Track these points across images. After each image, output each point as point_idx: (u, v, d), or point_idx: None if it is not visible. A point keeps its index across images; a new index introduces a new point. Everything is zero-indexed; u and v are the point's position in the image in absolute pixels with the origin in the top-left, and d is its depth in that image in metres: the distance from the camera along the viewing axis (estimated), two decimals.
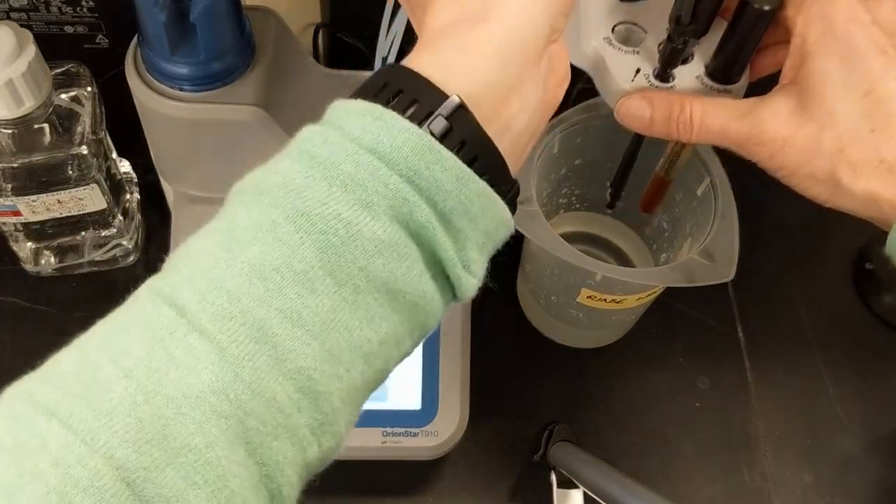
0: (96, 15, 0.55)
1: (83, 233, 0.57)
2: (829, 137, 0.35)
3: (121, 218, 0.57)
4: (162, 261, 0.27)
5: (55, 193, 0.52)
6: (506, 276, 0.61)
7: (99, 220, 0.56)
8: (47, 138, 0.50)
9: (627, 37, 0.41)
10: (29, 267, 0.59)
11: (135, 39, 0.47)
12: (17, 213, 0.53)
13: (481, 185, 0.27)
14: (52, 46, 0.50)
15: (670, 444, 0.57)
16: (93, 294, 0.59)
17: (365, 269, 0.26)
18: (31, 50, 0.46)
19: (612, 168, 0.49)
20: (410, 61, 0.29)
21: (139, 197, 0.61)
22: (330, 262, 0.25)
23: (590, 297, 0.52)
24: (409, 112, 0.27)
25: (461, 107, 0.27)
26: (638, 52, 0.40)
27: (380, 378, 0.29)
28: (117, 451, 0.22)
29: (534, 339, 0.60)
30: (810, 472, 0.56)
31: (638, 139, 0.45)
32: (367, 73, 0.35)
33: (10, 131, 0.49)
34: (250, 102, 0.46)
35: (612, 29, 0.41)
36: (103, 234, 0.58)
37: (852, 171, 0.35)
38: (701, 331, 0.61)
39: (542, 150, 0.50)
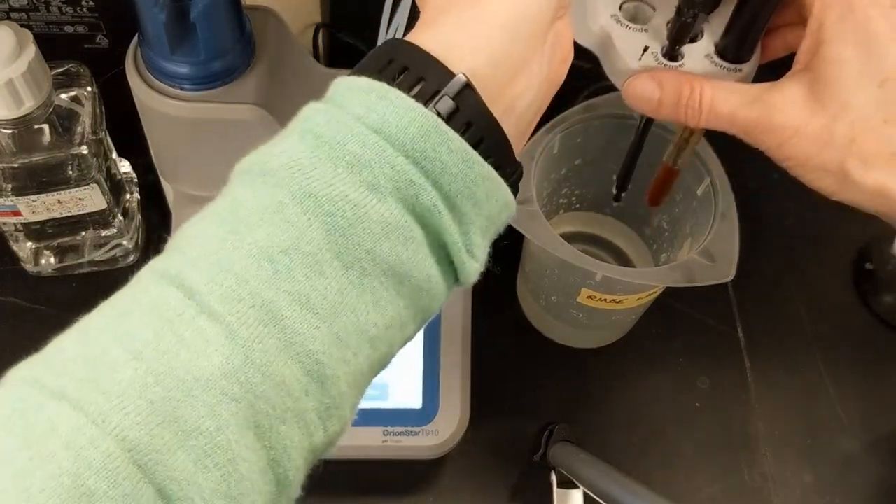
0: (96, 15, 0.55)
1: (83, 233, 0.57)
2: (841, 127, 0.34)
3: (121, 218, 0.57)
4: None
5: (55, 193, 0.52)
6: (506, 276, 0.61)
7: (99, 220, 0.56)
8: (47, 138, 0.50)
9: (635, 14, 0.40)
10: (29, 267, 0.59)
11: (135, 39, 0.47)
12: (17, 213, 0.53)
13: (486, 169, 0.27)
14: (52, 46, 0.50)
15: (670, 444, 0.57)
16: (93, 294, 0.58)
17: (372, 252, 0.26)
18: (32, 50, 0.46)
19: (613, 168, 0.49)
20: (414, 37, 0.28)
21: (139, 197, 0.61)
22: (337, 244, 0.25)
23: (590, 297, 0.52)
24: (415, 91, 0.26)
25: (467, 86, 0.27)
26: (646, 30, 0.39)
27: (384, 362, 0.28)
28: (129, 433, 0.22)
29: (534, 339, 0.60)
30: (810, 472, 0.56)
31: (645, 125, 0.45)
32: None
33: (10, 131, 0.49)
34: (250, 102, 0.46)
35: (620, 6, 0.40)
36: (103, 234, 0.58)
37: (863, 163, 0.34)
38: (701, 331, 0.61)
39: (542, 150, 0.50)
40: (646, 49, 0.39)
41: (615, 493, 0.45)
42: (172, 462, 0.22)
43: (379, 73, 0.27)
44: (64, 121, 0.51)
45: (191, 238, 0.26)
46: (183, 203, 0.53)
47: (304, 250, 0.25)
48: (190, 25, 0.43)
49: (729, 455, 0.57)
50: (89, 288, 0.59)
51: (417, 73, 0.27)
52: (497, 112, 0.28)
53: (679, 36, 0.38)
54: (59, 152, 0.50)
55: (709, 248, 0.47)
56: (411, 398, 0.51)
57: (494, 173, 0.27)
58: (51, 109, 0.49)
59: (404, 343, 0.29)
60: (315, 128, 0.26)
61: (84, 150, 0.51)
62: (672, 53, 0.38)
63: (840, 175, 0.35)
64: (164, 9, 0.42)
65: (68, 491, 0.21)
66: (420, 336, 0.53)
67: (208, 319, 0.24)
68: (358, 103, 0.26)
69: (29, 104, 0.47)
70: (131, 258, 0.60)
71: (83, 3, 0.54)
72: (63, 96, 0.51)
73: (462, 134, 0.27)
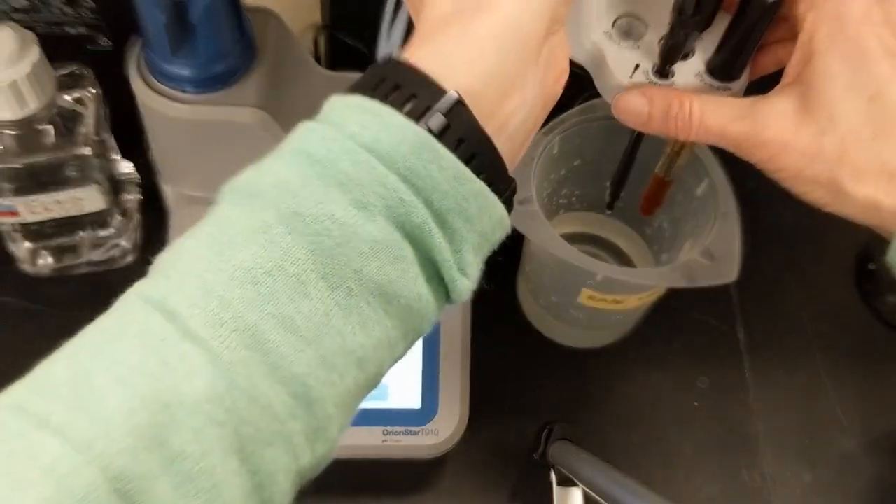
0: (97, 16, 0.56)
1: (81, 233, 0.57)
2: (831, 141, 0.34)
3: (119, 218, 0.57)
4: None
5: (54, 194, 0.52)
6: (506, 276, 0.61)
7: (97, 220, 0.56)
8: (50, 139, 0.50)
9: (628, 31, 0.40)
10: (27, 267, 0.59)
11: (137, 41, 0.48)
12: (15, 214, 0.53)
13: (478, 185, 0.27)
14: (55, 48, 0.50)
15: (670, 444, 0.57)
16: (91, 294, 0.58)
17: (359, 272, 0.25)
18: (35, 52, 0.46)
19: (612, 169, 0.49)
20: (408, 54, 0.28)
21: (140, 197, 0.61)
22: (323, 264, 0.25)
23: (590, 297, 0.52)
24: (407, 108, 0.26)
25: (459, 102, 0.27)
26: (638, 48, 0.39)
27: (373, 382, 0.28)
28: (114, 460, 0.22)
29: (534, 339, 0.60)
30: (810, 472, 0.56)
31: (637, 138, 0.45)
32: None
33: (13, 132, 0.49)
34: (251, 104, 0.47)
35: (613, 23, 0.40)
36: (101, 235, 0.58)
37: (854, 176, 0.34)
38: (701, 331, 0.61)
39: (541, 151, 0.51)
40: (637, 66, 0.39)
41: (614, 491, 0.45)
42: (156, 489, 0.22)
43: (373, 91, 0.27)
44: (67, 122, 0.51)
45: (175, 260, 0.26)
46: (181, 204, 0.54)
47: (288, 271, 0.25)
48: (190, 27, 0.43)
49: (728, 455, 0.57)
50: (87, 288, 0.59)
51: (409, 91, 0.27)
52: (490, 129, 0.28)
53: (671, 55, 0.38)
54: (62, 153, 0.50)
55: (710, 248, 0.47)
56: (411, 398, 0.51)
57: (487, 189, 0.27)
58: (54, 111, 0.49)
59: (394, 362, 0.29)
60: (308, 146, 0.26)
61: (87, 150, 0.51)
62: (663, 71, 0.39)
63: (831, 188, 0.34)
64: (165, 11, 0.42)
65: None
66: None
67: (192, 344, 0.24)
68: (352, 121, 0.26)
69: (33, 105, 0.47)
70: (129, 258, 0.60)
71: (83, 3, 0.54)
72: (66, 97, 0.51)
73: (454, 150, 0.26)
